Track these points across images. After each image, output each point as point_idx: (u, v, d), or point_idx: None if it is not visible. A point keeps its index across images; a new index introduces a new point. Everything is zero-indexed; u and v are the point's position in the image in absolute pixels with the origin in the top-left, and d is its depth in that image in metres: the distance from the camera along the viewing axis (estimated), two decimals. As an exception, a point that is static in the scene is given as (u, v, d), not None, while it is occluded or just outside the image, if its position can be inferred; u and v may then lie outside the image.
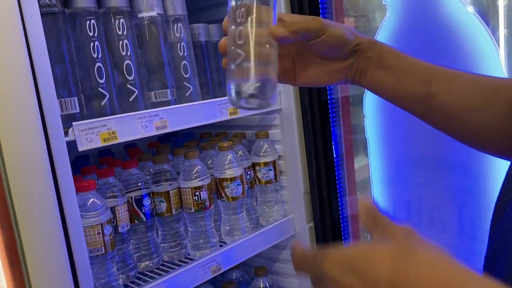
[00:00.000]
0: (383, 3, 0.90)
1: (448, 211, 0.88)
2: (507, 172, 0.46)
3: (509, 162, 0.51)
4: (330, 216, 1.20)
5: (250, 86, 0.51)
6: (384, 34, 0.92)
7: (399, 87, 0.57)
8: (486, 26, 0.76)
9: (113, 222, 0.92)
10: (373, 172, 1.02)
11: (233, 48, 0.51)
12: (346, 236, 1.23)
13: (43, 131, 0.71)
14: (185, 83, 0.99)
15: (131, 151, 1.19)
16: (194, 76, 1.02)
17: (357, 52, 0.56)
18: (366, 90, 1.02)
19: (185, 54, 0.98)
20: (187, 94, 1.00)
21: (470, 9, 0.77)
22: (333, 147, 1.18)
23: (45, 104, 0.72)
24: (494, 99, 0.55)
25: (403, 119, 0.92)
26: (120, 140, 0.84)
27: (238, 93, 0.52)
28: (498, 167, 0.77)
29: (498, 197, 0.46)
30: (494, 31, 0.76)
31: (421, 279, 0.34)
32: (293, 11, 1.10)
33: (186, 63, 0.99)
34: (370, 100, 0.98)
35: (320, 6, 1.11)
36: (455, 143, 0.85)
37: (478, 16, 0.77)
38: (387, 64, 0.56)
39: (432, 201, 0.91)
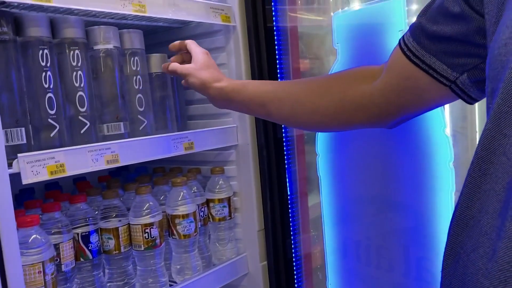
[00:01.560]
0: (334, 47, 0.94)
1: (395, 251, 0.90)
2: (454, 215, 0.47)
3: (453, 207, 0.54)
4: (283, 254, 1.19)
5: None
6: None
7: (249, 110, 0.89)
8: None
9: (57, 260, 0.87)
10: (324, 210, 1.04)
11: None
12: (299, 275, 1.23)
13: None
14: (139, 116, 0.98)
15: (80, 185, 1.15)
16: (149, 110, 1.01)
17: (211, 98, 0.90)
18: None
19: (140, 87, 0.98)
20: (141, 128, 0.99)
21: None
22: (288, 184, 1.19)
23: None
24: (319, 103, 0.75)
25: (353, 159, 0.95)
26: (68, 173, 0.81)
27: None
28: (444, 209, 0.81)
29: (447, 242, 0.47)
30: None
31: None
32: (251, 51, 1.13)
33: (141, 96, 0.98)
34: (321, 139, 1.00)
35: (277, 48, 1.14)
36: (404, 184, 0.88)
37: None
38: (236, 99, 0.86)
39: (380, 241, 0.93)
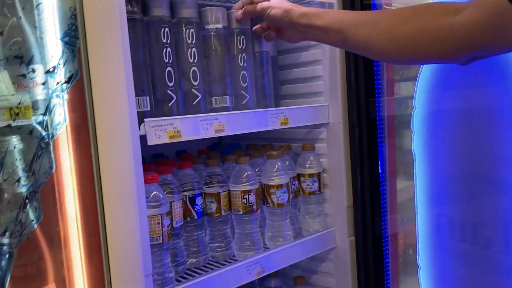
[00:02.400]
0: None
1: (493, 228, 0.89)
2: None
3: None
4: (372, 232, 1.22)
5: None
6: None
7: (327, 37, 0.90)
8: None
9: (170, 216, 0.98)
10: (418, 187, 1.05)
11: None
12: (387, 255, 1.24)
13: (129, 124, 0.78)
14: (242, 92, 1.06)
15: (183, 156, 1.26)
16: (252, 86, 1.08)
17: (293, 23, 0.93)
18: (414, 108, 1.06)
19: (245, 64, 1.06)
20: (243, 102, 1.06)
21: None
22: (379, 163, 1.21)
23: (129, 100, 0.79)
24: (396, 32, 0.76)
25: (450, 137, 0.95)
26: (184, 138, 0.91)
27: None
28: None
29: None
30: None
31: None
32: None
33: (245, 73, 1.06)
34: (418, 117, 1.01)
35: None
36: (504, 161, 0.87)
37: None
38: (316, 24, 0.89)
39: (477, 219, 0.92)
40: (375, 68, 1.18)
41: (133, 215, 0.79)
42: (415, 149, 1.03)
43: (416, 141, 1.03)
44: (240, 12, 1.03)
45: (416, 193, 1.06)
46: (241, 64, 1.05)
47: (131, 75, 0.79)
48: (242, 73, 1.06)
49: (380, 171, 1.20)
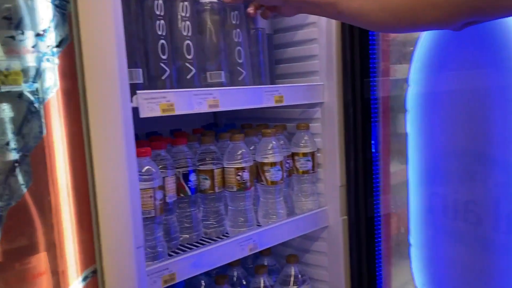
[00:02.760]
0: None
1: (484, 205, 0.90)
2: None
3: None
4: (364, 212, 1.22)
5: None
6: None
7: (321, 11, 0.89)
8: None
9: (163, 190, 0.98)
10: (411, 166, 1.05)
11: None
12: (379, 234, 1.25)
13: (121, 95, 0.78)
14: (238, 68, 1.05)
15: (178, 134, 1.26)
16: (247, 63, 1.07)
17: (286, 1, 0.94)
18: (408, 86, 1.05)
19: (240, 40, 1.05)
20: (239, 79, 1.05)
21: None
22: (372, 144, 1.21)
23: (120, 71, 0.78)
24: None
25: (444, 115, 0.95)
26: (176, 112, 0.90)
27: None
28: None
29: None
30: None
31: None
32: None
33: (241, 49, 1.05)
34: (412, 96, 1.01)
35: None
36: (494, 137, 0.88)
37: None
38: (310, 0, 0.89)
39: (468, 195, 0.93)
40: (370, 48, 1.18)
41: (123, 186, 0.79)
42: (409, 128, 1.03)
43: (410, 119, 1.03)
44: None
45: (408, 172, 1.06)
46: (236, 40, 1.04)
47: (123, 45, 0.78)
48: (237, 48, 1.05)
49: (373, 151, 1.20)
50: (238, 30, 1.04)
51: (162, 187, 0.95)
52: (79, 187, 0.75)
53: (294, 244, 1.35)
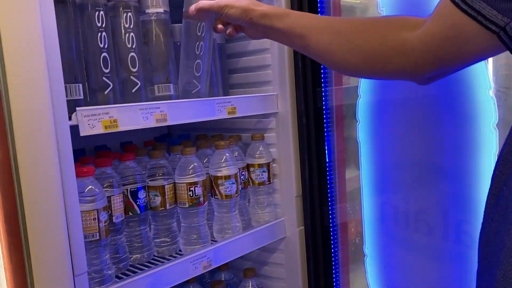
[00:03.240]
0: (379, 12, 0.94)
1: (434, 215, 0.91)
2: (501, 153, 0.48)
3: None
4: (320, 221, 1.22)
5: None
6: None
7: (287, 40, 0.85)
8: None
9: (108, 211, 0.93)
10: (363, 176, 1.05)
11: None
12: (336, 243, 1.25)
13: (52, 113, 0.73)
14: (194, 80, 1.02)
15: (127, 148, 1.21)
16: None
17: (253, 23, 0.85)
18: (359, 97, 1.05)
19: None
20: (193, 92, 1.02)
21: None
22: (327, 152, 1.20)
23: (53, 88, 0.74)
24: (358, 42, 0.73)
25: (394, 125, 0.96)
26: (120, 128, 0.86)
27: None
28: (487, 172, 0.81)
29: (492, 179, 0.48)
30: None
31: None
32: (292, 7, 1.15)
33: (200, 62, 1.02)
34: (363, 106, 1.01)
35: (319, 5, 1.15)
36: (443, 148, 0.89)
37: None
38: (277, 26, 0.82)
39: (419, 206, 0.94)
40: (323, 57, 1.17)
41: (59, 211, 0.74)
42: (360, 138, 1.03)
43: (361, 129, 1.03)
44: (193, 7, 0.91)
45: (362, 182, 1.06)
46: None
47: (57, 59, 0.74)
48: (197, 61, 1.02)
49: (327, 160, 1.20)
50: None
51: (108, 207, 0.91)
52: (10, 216, 0.69)
53: (252, 256, 1.33)
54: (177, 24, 1.10)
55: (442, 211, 0.88)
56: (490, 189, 0.48)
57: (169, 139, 1.41)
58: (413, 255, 0.95)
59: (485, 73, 0.78)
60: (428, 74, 0.69)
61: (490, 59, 0.81)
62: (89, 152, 1.23)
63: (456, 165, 0.85)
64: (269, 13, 0.83)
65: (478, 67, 0.83)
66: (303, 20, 0.81)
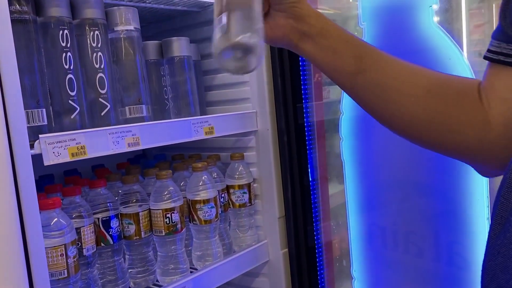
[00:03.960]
0: (360, 26, 0.91)
1: (424, 236, 0.87)
2: (505, 178, 0.43)
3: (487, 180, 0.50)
4: (305, 241, 1.17)
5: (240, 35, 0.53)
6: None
7: (334, 59, 0.59)
8: (460, 49, 0.78)
9: (78, 244, 0.86)
10: (348, 195, 1.01)
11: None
12: (321, 264, 1.20)
13: (7, 142, 0.67)
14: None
15: (99, 172, 1.14)
16: (173, 93, 0.99)
17: (299, 16, 0.59)
18: (342, 114, 1.02)
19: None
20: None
21: (444, 33, 0.79)
22: (309, 170, 1.16)
23: (11, 113, 0.67)
24: (436, 90, 0.55)
25: (379, 142, 0.92)
26: (89, 155, 0.80)
27: (227, 38, 0.53)
28: (476, 192, 0.77)
29: (495, 207, 0.44)
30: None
31: None
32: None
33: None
34: (346, 122, 0.98)
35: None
36: (432, 166, 0.85)
37: (451, 38, 0.79)
38: (328, 34, 0.59)
39: (408, 226, 0.90)
40: (301, 73, 1.14)
41: (16, 249, 0.67)
42: (344, 156, 0.99)
43: (345, 147, 0.99)
44: None
45: (347, 202, 1.02)
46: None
47: (16, 84, 0.67)
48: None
49: (310, 178, 1.16)
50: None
51: (77, 240, 0.84)
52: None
53: (235, 281, 1.26)
54: (150, 42, 1.05)
55: (432, 232, 0.84)
56: (493, 217, 0.44)
57: (144, 160, 1.35)
58: (403, 278, 0.91)
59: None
60: (500, 162, 0.53)
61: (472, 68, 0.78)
62: (58, 178, 1.16)
63: (445, 183, 0.81)
64: (323, 17, 0.61)
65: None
66: (363, 41, 0.61)
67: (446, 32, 0.80)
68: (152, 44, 1.04)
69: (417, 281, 0.89)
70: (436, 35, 0.79)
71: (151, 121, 0.94)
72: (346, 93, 0.62)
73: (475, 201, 0.76)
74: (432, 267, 0.85)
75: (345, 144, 0.99)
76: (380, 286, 0.98)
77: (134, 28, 0.91)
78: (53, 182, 1.10)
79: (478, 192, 0.76)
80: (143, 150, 1.43)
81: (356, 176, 0.99)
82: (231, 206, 1.15)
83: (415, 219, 0.88)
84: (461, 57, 0.77)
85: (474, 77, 0.78)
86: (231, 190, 1.14)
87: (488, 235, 0.45)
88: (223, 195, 1.13)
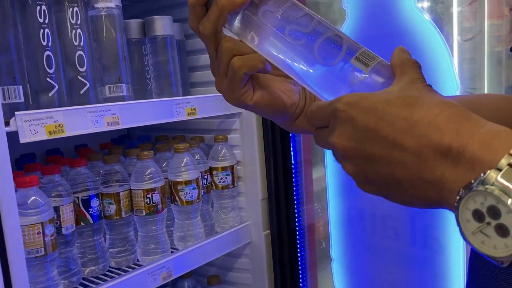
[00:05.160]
0: (343, 8, 0.90)
1: (401, 220, 0.88)
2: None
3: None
4: (287, 223, 1.18)
5: None
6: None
7: None
8: (441, 33, 0.77)
9: (57, 223, 0.86)
10: (329, 179, 1.02)
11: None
12: (302, 246, 1.22)
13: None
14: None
15: (81, 151, 1.13)
16: (155, 73, 0.98)
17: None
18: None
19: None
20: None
21: (426, 16, 0.79)
22: (292, 153, 1.17)
23: (-16, 89, 0.66)
24: None
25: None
26: (67, 133, 0.79)
27: None
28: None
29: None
30: (448, 38, 0.78)
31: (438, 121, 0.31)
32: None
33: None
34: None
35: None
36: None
37: (433, 23, 0.78)
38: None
39: (385, 210, 0.91)
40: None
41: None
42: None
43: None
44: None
45: (327, 185, 1.02)
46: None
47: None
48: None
49: (293, 161, 1.16)
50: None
51: (54, 219, 0.84)
52: None
53: (217, 262, 1.28)
54: (132, 20, 1.03)
55: (409, 216, 0.85)
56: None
57: (128, 140, 1.34)
58: (380, 260, 0.92)
59: (451, 73, 0.76)
60: None
61: (456, 59, 0.78)
62: (40, 157, 1.15)
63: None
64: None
65: (445, 64, 0.81)
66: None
67: (427, 17, 0.79)
68: (134, 23, 1.02)
69: (393, 264, 0.90)
70: (418, 19, 0.79)
71: (132, 100, 0.93)
72: None
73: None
74: (408, 250, 0.87)
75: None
76: (358, 268, 1.00)
77: (115, 5, 0.90)
78: (34, 161, 1.10)
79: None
80: (127, 130, 1.42)
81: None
82: (214, 187, 1.15)
83: (392, 205, 0.89)
84: (440, 41, 0.77)
85: (453, 63, 0.78)
86: (214, 172, 1.15)
87: (470, 254, 0.43)
88: (206, 176, 1.13)
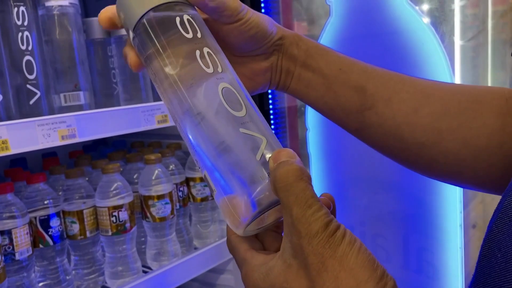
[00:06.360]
0: (327, 3, 0.80)
1: (392, 240, 0.79)
2: (499, 209, 0.33)
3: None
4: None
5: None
6: (327, 38, 0.82)
7: (329, 94, 0.44)
8: (435, 33, 0.68)
9: (9, 247, 0.77)
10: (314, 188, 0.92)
11: None
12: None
13: None
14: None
15: (47, 162, 1.04)
16: (120, 77, 0.89)
17: (279, 49, 0.44)
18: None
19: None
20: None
21: (418, 13, 0.69)
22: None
23: None
24: (461, 116, 0.42)
25: (342, 136, 0.83)
26: (13, 151, 0.70)
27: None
28: (449, 197, 0.69)
29: (484, 238, 0.34)
30: (443, 39, 0.68)
31: None
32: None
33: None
34: (313, 111, 0.88)
35: (263, 7, 1.01)
36: (393, 165, 0.77)
37: (428, 21, 0.69)
38: (315, 64, 0.44)
39: (376, 228, 0.82)
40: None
41: None
42: (310, 148, 0.90)
43: (311, 139, 0.90)
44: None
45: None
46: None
47: None
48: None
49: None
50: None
51: (8, 244, 0.75)
52: None
53: (199, 278, 1.19)
54: (95, 18, 0.93)
55: (401, 236, 0.76)
56: (482, 245, 0.34)
57: (102, 146, 1.25)
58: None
59: (447, 75, 0.66)
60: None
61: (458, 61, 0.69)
62: (3, 166, 1.06)
63: (416, 185, 0.73)
64: (306, 40, 0.45)
65: (439, 65, 0.71)
66: (362, 63, 0.46)
67: (420, 12, 0.70)
68: (97, 21, 0.92)
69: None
70: (408, 16, 0.69)
71: (92, 109, 0.83)
72: (355, 136, 0.48)
73: (448, 205, 0.68)
74: (400, 274, 0.78)
75: (311, 135, 0.90)
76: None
77: (70, 3, 0.80)
78: (-6, 174, 1.01)
79: (451, 196, 0.67)
80: (103, 136, 1.33)
81: (322, 169, 0.90)
82: (191, 200, 1.06)
83: (384, 221, 0.80)
84: (434, 41, 0.67)
85: (449, 65, 0.68)
86: (192, 183, 1.05)
87: (478, 261, 0.36)
88: (181, 188, 1.04)
